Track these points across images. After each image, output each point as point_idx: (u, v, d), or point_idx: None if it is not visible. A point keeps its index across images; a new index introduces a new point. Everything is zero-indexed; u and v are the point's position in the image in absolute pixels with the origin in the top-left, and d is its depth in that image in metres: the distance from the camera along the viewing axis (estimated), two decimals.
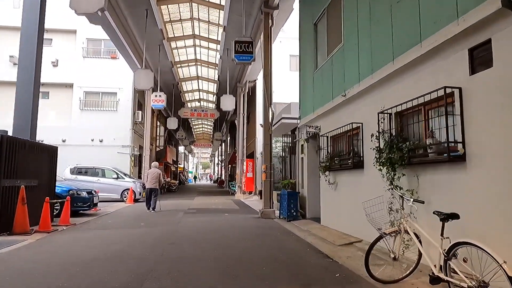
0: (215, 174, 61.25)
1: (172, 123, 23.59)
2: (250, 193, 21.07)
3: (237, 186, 19.90)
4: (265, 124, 10.95)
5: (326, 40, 8.50)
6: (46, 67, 18.79)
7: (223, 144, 44.45)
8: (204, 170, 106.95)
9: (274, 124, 15.86)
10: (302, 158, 10.58)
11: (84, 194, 10.62)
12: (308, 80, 9.82)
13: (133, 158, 19.26)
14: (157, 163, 13.44)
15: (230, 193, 23.78)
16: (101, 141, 19.09)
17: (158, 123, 29.16)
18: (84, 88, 19.29)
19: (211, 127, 42.58)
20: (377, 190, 5.69)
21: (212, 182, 55.99)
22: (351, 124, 6.64)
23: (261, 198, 19.58)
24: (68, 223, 8.67)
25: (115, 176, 16.11)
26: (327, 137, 8.16)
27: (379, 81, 5.74)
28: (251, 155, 21.92)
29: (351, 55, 6.92)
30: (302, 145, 10.57)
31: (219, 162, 57.56)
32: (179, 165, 44.04)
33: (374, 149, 5.46)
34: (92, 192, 11.15)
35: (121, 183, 16.11)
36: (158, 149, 28.38)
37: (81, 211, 10.75)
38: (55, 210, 9.50)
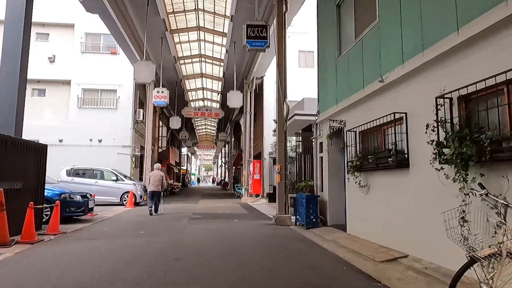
0: (218, 176, 60.16)
1: (175, 123, 22.52)
2: (257, 196, 19.95)
3: (243, 189, 18.79)
4: (279, 120, 9.84)
5: (353, 21, 7.38)
6: (43, 63, 17.84)
7: (227, 145, 43.40)
8: (206, 173, 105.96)
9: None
10: (321, 157, 9.45)
11: (78, 198, 9.53)
12: (329, 69, 8.71)
13: (133, 159, 18.20)
14: (159, 165, 12.62)
15: (236, 196, 22.67)
16: (100, 141, 18.05)
17: (161, 123, 28.12)
18: (82, 85, 18.27)
19: (215, 128, 41.53)
20: (432, 194, 4.55)
21: (215, 184, 54.86)
22: (392, 115, 5.51)
23: (269, 202, 18.48)
24: (57, 231, 7.59)
25: (114, 178, 15.03)
26: (355, 132, 7.04)
27: (433, 59, 4.62)
28: (258, 156, 20.81)
29: (390, 33, 5.80)
30: (321, 143, 9.45)
31: (222, 164, 56.48)
32: (182, 167, 42.98)
33: (431, 143, 4.33)
34: (87, 195, 10.06)
35: (120, 185, 15.03)
36: (160, 150, 27.33)
37: (75, 217, 9.66)
38: (44, 216, 8.45)
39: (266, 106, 20.16)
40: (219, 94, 25.94)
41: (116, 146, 18.04)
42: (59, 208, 7.78)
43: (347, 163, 7.31)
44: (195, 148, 51.03)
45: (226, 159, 48.77)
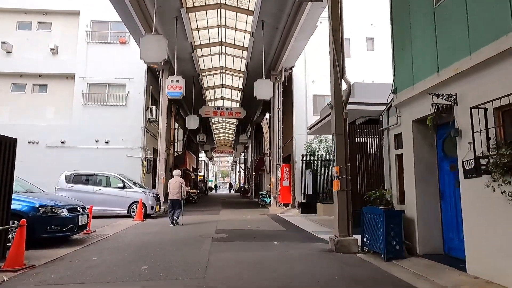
0: (236, 182, 57.61)
1: (192, 122, 20.10)
2: (286, 205, 17.18)
3: (271, 197, 16.09)
4: (335, 103, 7.13)
5: None
6: (44, 55, 15.80)
7: (247, 148, 40.82)
8: (223, 179, 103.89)
9: (326, 117, 12.06)
10: (398, 155, 6.67)
11: (64, 212, 7.05)
12: (419, 24, 5.96)
13: (145, 163, 15.82)
14: (179, 171, 11.20)
15: (261, 205, 19.96)
16: (107, 142, 15.77)
17: (176, 125, 25.84)
18: (88, 79, 16.11)
19: (233, 132, 39.10)
20: None
21: (233, 191, 52.24)
22: None
23: (302, 213, 15.70)
24: (21, 264, 5.14)
25: (121, 185, 12.61)
26: (486, 110, 4.26)
27: None
28: (286, 159, 18.08)
29: None
30: (398, 136, 6.67)
31: (241, 170, 53.94)
32: (199, 173, 40.67)
33: None
34: (78, 208, 7.60)
35: (128, 194, 12.60)
36: (176, 154, 25.01)
37: (67, 235, 7.19)
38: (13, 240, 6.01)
39: (296, 102, 17.49)
40: (240, 92, 23.45)
41: (126, 148, 15.72)
42: (24, 229, 5.28)
43: (467, 162, 4.51)
44: (212, 153, 48.72)
45: (246, 164, 46.20)
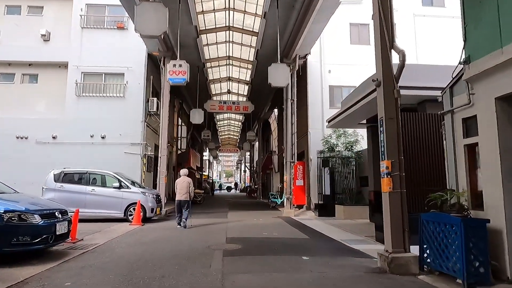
0: (241, 182, 56.06)
1: (197, 116, 18.57)
2: (299, 207, 15.62)
3: (285, 198, 14.53)
4: (384, 79, 5.55)
5: None
6: (35, 42, 14.36)
7: (254, 145, 39.27)
8: (227, 179, 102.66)
9: (350, 107, 10.51)
10: (469, 146, 5.09)
11: (36, 219, 5.55)
12: None
13: (145, 161, 14.33)
14: (186, 171, 10.46)
15: (271, 206, 18.40)
16: (103, 137, 14.28)
17: (180, 121, 24.35)
18: (82, 68, 14.65)
19: (239, 129, 37.59)
20: None
21: (238, 191, 50.67)
22: None
23: (319, 216, 14.12)
24: None
25: (117, 184, 11.11)
26: None
27: None
28: (300, 156, 16.50)
29: None
30: (467, 120, 5.10)
31: (247, 169, 52.42)
32: (203, 173, 39.20)
33: None
34: (56, 214, 6.08)
35: (125, 194, 11.10)
36: (179, 152, 23.53)
37: (41, 248, 5.68)
38: None
39: (311, 93, 15.93)
40: (248, 86, 21.92)
41: (124, 144, 14.23)
42: None
43: None
44: (217, 152, 47.24)
45: (252, 163, 44.69)
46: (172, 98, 21.03)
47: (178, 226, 9.62)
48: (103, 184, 11.41)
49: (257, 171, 36.06)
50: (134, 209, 10.79)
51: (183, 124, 26.38)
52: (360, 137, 13.86)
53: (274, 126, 28.05)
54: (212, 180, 45.93)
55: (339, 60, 16.31)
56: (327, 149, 14.06)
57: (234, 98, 24.44)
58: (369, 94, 9.10)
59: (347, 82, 16.18)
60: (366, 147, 13.97)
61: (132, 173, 13.73)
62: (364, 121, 11.78)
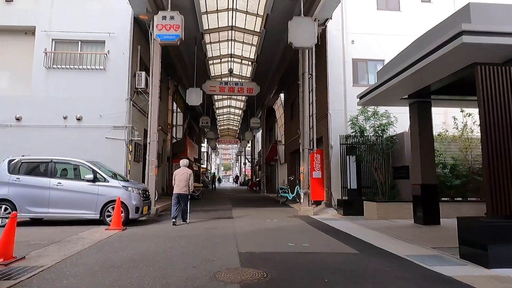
0: (240, 175, 53.53)
1: (194, 97, 15.92)
2: (317, 203, 13.16)
3: (301, 193, 12.00)
4: None
5: None
6: None
7: (256, 136, 36.71)
8: (225, 172, 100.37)
9: (394, 77, 8.00)
10: None
11: None
12: None
13: (131, 148, 11.71)
14: (187, 161, 9.46)
15: (280, 202, 15.92)
16: (79, 119, 11.62)
17: (175, 106, 21.67)
18: (53, 35, 11.92)
19: (239, 118, 34.93)
20: None
21: (237, 185, 48.14)
22: None
23: (344, 214, 11.59)
24: None
25: (91, 176, 8.51)
26: None
27: None
28: (317, 143, 13.90)
29: None
30: None
31: (247, 161, 49.92)
32: (202, 165, 36.63)
33: None
34: None
35: (102, 190, 8.53)
36: (174, 140, 20.90)
37: None
38: None
39: (331, 68, 13.34)
40: (252, 65, 19.25)
41: (104, 128, 11.60)
42: None
43: None
44: (216, 143, 44.64)
45: (253, 155, 42.18)
46: (166, 78, 18.36)
47: (174, 223, 8.53)
48: (74, 176, 8.83)
49: (259, 163, 33.53)
50: (113, 208, 8.23)
51: (179, 110, 23.71)
52: (393, 119, 11.32)
53: (280, 112, 25.46)
54: (214, 173, 43.26)
55: (363, 29, 13.70)
56: (354, 133, 11.51)
57: (236, 81, 21.79)
58: (421, 60, 6.64)
59: (373, 55, 13.62)
60: (397, 131, 11.48)
61: (115, 163, 11.16)
62: (406, 97, 9.24)
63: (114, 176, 9.31)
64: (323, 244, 6.37)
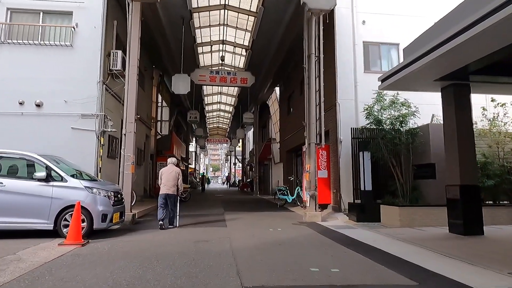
0: (232, 176, 51.49)
1: (182, 85, 13.91)
2: (322, 207, 11.36)
3: (308, 196, 10.19)
4: None
5: None
6: None
7: (247, 135, 34.89)
8: (214, 173, 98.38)
9: (425, 54, 6.37)
10: None
11: None
12: None
13: (102, 141, 9.69)
14: (175, 159, 8.49)
15: (279, 205, 14.13)
16: (38, 105, 9.53)
17: (161, 99, 19.63)
18: (9, 3, 9.80)
19: (230, 115, 33.04)
20: None
21: (227, 186, 46.09)
22: None
23: (358, 221, 9.72)
24: None
25: (43, 174, 6.51)
26: None
27: None
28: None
29: None
30: None
31: (237, 161, 48.00)
32: (189, 165, 34.53)
33: None
34: None
35: (57, 192, 6.55)
36: (159, 136, 18.86)
37: None
38: None
39: (339, 52, 11.61)
40: (247, 52, 17.41)
41: (70, 116, 9.56)
42: None
43: None
44: (205, 142, 42.60)
45: (244, 155, 40.32)
46: (150, 65, 16.35)
47: (162, 227, 7.66)
48: (20, 174, 6.81)
49: (251, 162, 31.68)
50: (72, 215, 6.25)
51: (165, 104, 21.67)
52: (414, 109, 9.64)
53: (275, 107, 23.69)
54: (203, 173, 41.10)
55: (376, 8, 12.05)
56: (371, 124, 9.78)
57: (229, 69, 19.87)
58: (470, 27, 5.00)
59: (387, 38, 11.98)
60: (418, 124, 9.81)
61: (84, 159, 9.17)
62: (438, 79, 7.55)
63: (80, 175, 7.36)
64: (358, 268, 4.56)
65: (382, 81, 8.27)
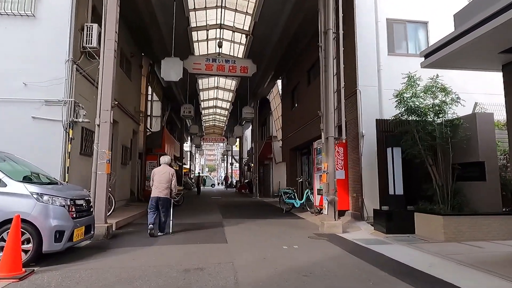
0: (228, 176, 49.51)
1: (173, 72, 12.02)
2: (340, 214, 9.51)
3: (325, 201, 8.40)
4: None
5: None
6: None
7: (245, 133, 33.00)
8: (210, 173, 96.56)
9: (488, 19, 4.51)
10: None
11: None
12: None
13: (71, 134, 7.79)
14: (168, 158, 7.65)
15: (284, 211, 12.32)
16: None
17: (150, 91, 17.72)
18: None
19: (226, 112, 31.14)
20: None
21: (224, 187, 44.12)
22: None
23: (387, 233, 7.74)
24: None
25: None
26: None
27: None
28: (338, 131, 10.29)
29: None
30: None
31: (234, 161, 46.11)
32: (184, 165, 32.61)
33: None
34: None
35: None
36: (148, 132, 16.96)
37: None
38: None
39: (359, 31, 9.80)
40: (247, 38, 15.58)
41: (31, 102, 7.65)
42: None
43: None
44: (201, 141, 40.67)
45: (241, 155, 38.48)
46: (138, 52, 14.46)
47: (152, 234, 6.84)
48: None
49: (249, 162, 29.84)
50: (7, 235, 4.37)
51: (156, 98, 19.76)
52: (454, 96, 7.87)
53: (276, 102, 21.88)
54: (199, 174, 39.09)
55: None
56: (403, 114, 7.98)
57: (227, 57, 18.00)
58: None
59: (414, 15, 10.24)
60: (454, 114, 8.05)
61: (47, 156, 7.30)
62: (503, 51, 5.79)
63: (37, 177, 5.52)
64: None
65: (426, 56, 6.47)
